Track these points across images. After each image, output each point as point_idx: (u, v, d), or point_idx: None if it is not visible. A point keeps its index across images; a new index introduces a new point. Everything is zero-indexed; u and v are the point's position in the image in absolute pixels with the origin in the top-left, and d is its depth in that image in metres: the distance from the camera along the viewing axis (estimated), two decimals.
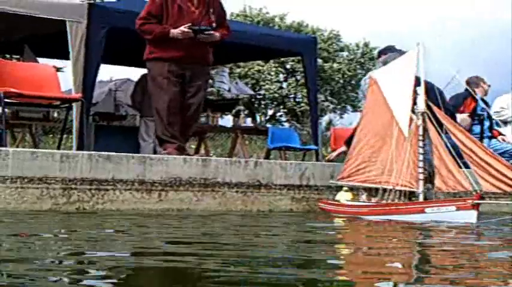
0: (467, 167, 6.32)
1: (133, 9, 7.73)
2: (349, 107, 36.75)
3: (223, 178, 6.57)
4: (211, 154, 11.42)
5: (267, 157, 11.41)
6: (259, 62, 31.74)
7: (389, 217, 6.24)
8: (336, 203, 6.84)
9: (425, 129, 6.45)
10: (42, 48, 9.86)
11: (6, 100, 6.86)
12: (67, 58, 8.10)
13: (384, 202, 6.47)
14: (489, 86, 9.74)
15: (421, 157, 6.45)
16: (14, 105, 7.90)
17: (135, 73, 10.79)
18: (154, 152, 8.94)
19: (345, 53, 38.07)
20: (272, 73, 34.18)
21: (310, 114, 11.11)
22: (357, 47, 38.33)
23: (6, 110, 8.31)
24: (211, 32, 6.96)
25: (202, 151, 11.47)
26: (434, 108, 6.63)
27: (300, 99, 33.50)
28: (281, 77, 35.60)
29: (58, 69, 11.71)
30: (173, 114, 6.98)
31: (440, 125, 6.46)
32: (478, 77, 9.62)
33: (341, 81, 35.58)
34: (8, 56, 12.64)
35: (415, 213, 6.18)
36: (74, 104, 7.42)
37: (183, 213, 6.20)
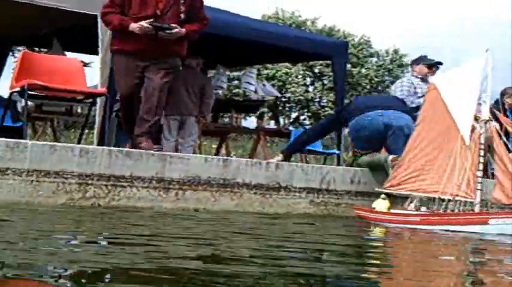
0: None
1: None
2: None
3: (243, 178, 6.50)
4: (231, 155, 11.37)
5: (288, 159, 11.32)
6: (287, 64, 31.67)
7: (446, 227, 6.02)
8: (380, 211, 6.66)
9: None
10: (70, 42, 9.86)
11: (30, 92, 6.82)
12: (95, 53, 8.06)
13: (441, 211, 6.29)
14: None
15: (480, 167, 6.30)
16: (38, 99, 7.88)
17: None
18: (177, 151, 8.91)
19: (374, 59, 37.90)
20: (299, 76, 34.10)
21: None
22: (387, 53, 38.13)
23: (30, 103, 8.32)
24: (174, 31, 6.55)
25: (223, 151, 11.43)
26: (501, 117, 6.52)
27: (325, 104, 33.37)
28: (308, 80, 35.52)
29: (85, 65, 11.75)
30: (128, 111, 6.83)
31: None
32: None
33: (368, 86, 35.39)
34: (36, 49, 12.67)
35: (477, 224, 5.96)
36: (97, 99, 7.40)
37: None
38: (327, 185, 6.95)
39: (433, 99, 6.76)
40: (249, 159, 7.44)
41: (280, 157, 8.00)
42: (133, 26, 6.53)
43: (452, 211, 6.24)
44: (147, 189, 6.02)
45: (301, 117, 36.14)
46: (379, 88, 35.08)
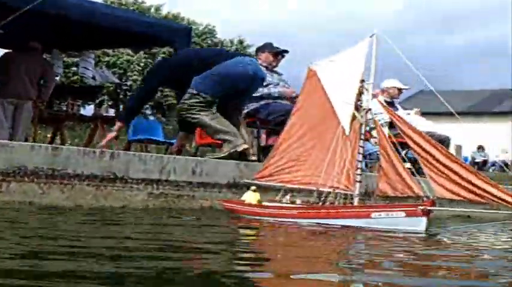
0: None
1: None
2: None
3: (75, 169, 5.94)
4: (67, 144, 10.68)
5: (128, 149, 10.79)
6: (129, 52, 30.87)
7: (326, 221, 5.65)
8: (253, 204, 6.17)
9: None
10: None
11: None
12: None
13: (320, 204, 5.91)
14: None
15: (360, 157, 5.96)
16: None
17: None
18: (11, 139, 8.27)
19: None
20: (141, 64, 33.33)
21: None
22: (231, 43, 38.11)
23: None
24: None
25: (58, 141, 10.74)
26: (384, 107, 6.19)
27: (168, 92, 32.76)
28: None
29: None
30: None
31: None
32: None
33: None
34: None
35: (358, 218, 5.60)
36: None
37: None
38: (167, 175, 6.50)
39: (312, 86, 6.34)
40: (81, 147, 6.85)
41: (116, 125, 7.46)
42: None
43: (332, 203, 5.91)
44: None
45: (144, 106, 35.39)
46: None
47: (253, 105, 8.61)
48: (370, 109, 6.07)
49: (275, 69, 9.00)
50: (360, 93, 6.12)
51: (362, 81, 6.07)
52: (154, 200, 6.41)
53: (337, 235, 5.16)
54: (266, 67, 8.84)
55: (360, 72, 6.09)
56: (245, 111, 8.70)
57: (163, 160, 6.58)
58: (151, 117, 28.59)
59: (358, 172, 5.97)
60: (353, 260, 3.63)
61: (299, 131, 6.33)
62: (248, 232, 5.28)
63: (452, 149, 10.78)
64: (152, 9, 38.05)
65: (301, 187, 6.20)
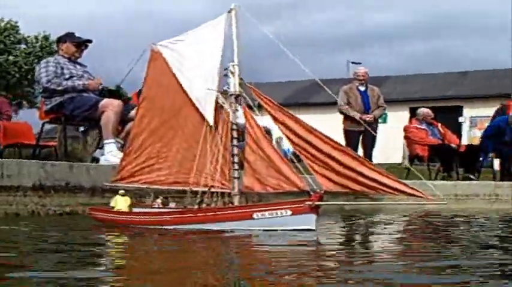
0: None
1: None
2: (25, 102, 34.89)
3: None
4: None
5: None
6: None
7: (204, 226, 5.06)
8: (119, 211, 5.53)
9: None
10: None
11: None
12: None
13: (195, 207, 5.28)
14: None
15: (235, 150, 5.36)
16: None
17: None
18: None
19: (23, 46, 36.18)
20: None
21: None
22: (36, 40, 36.61)
23: None
24: None
25: None
26: (254, 91, 5.42)
27: None
28: None
29: None
30: None
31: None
32: None
33: (17, 75, 33.66)
34: None
35: (239, 219, 5.00)
36: None
37: None
38: None
39: (158, 70, 5.64)
40: None
41: None
42: None
43: (208, 205, 5.32)
44: None
45: None
46: (29, 77, 33.49)
47: (56, 100, 8.13)
48: (239, 95, 5.49)
49: (78, 60, 8.55)
50: (225, 76, 5.52)
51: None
52: None
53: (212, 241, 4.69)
54: (69, 58, 8.41)
55: (218, 52, 5.46)
56: (48, 106, 8.23)
57: None
58: None
59: (235, 167, 5.43)
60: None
61: (151, 123, 5.69)
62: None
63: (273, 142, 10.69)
64: None
65: (169, 187, 5.62)
